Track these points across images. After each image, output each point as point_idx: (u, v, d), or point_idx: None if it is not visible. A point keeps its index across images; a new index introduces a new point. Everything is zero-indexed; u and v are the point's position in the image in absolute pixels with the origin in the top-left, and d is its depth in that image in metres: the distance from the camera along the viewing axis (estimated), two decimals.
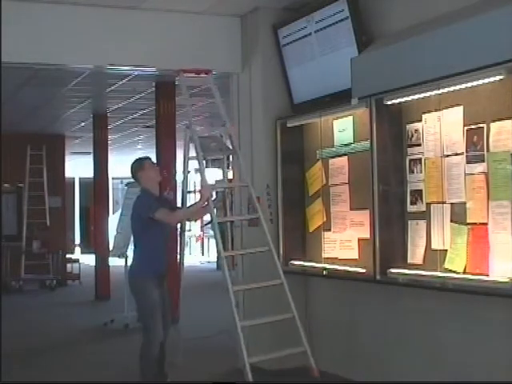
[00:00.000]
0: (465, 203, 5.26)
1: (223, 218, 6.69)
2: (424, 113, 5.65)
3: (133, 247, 6.18)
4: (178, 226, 6.54)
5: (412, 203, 5.81)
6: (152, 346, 5.87)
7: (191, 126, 6.56)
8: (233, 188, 7.06)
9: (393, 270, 5.78)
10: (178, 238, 6.77)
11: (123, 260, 10.49)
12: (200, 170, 6.20)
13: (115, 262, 11.57)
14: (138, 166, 6.27)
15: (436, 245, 5.53)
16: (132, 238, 6.21)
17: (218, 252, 6.00)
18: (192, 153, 6.40)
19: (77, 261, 17.05)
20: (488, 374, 5.01)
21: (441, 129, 5.47)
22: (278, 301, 6.17)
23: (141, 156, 6.45)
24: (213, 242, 22.93)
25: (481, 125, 5.12)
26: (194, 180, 27.73)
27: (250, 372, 5.61)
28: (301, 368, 6.59)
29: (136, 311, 6.11)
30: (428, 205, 5.64)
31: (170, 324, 6.07)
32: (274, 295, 6.13)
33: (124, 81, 10.22)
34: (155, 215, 5.81)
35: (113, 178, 23.41)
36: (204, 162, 6.26)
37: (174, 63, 7.36)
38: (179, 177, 11.05)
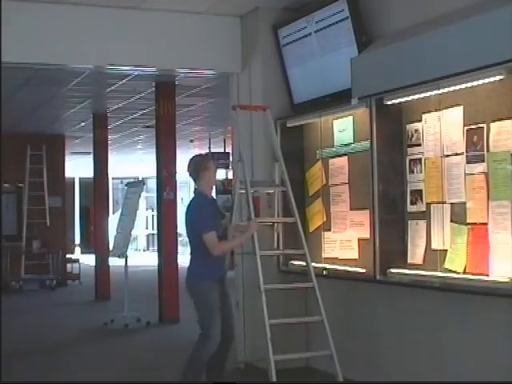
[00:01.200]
0: (465, 203, 5.26)
1: (263, 219, 6.71)
2: (424, 113, 5.65)
3: (190, 250, 5.97)
4: None
5: (412, 203, 5.81)
6: (209, 347, 5.56)
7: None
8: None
9: (393, 270, 5.78)
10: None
11: (123, 260, 10.49)
12: (248, 204, 6.07)
13: (115, 262, 11.57)
14: (203, 163, 5.83)
15: (436, 245, 5.53)
16: (189, 241, 6.01)
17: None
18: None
19: (77, 261, 17.06)
20: (488, 374, 5.01)
21: (441, 129, 5.47)
22: (277, 301, 6.17)
23: (197, 153, 6.22)
24: None
25: (481, 125, 5.12)
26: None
27: (274, 370, 5.58)
28: (301, 368, 6.62)
29: (197, 315, 5.77)
30: (428, 205, 5.64)
31: (234, 325, 5.87)
32: (274, 295, 6.13)
33: (124, 81, 10.23)
34: (203, 236, 5.61)
35: (113, 178, 23.43)
36: (251, 194, 6.13)
37: (174, 63, 7.39)
38: (178, 176, 11.09)
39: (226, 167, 18.11)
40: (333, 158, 6.73)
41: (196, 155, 6.03)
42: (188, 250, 6.23)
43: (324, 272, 6.53)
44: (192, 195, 6.19)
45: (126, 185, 12.56)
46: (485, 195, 5.07)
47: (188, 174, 5.92)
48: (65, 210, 16.75)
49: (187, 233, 5.97)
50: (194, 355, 5.63)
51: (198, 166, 5.79)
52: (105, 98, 12.02)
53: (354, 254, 6.41)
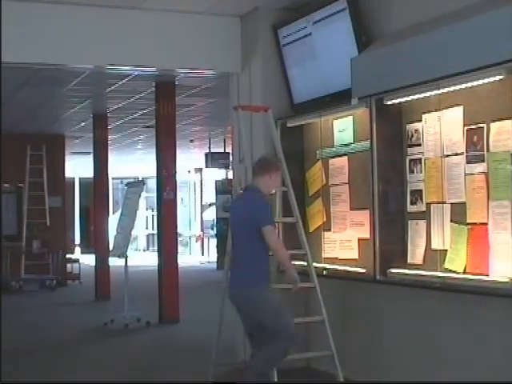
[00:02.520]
0: (465, 203, 5.26)
1: None
2: (424, 113, 5.65)
3: (240, 252, 5.52)
4: None
5: (412, 203, 5.81)
6: (288, 342, 5.37)
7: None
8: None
9: (393, 270, 5.78)
10: None
11: (123, 260, 10.49)
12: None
13: (115, 262, 11.57)
14: (276, 165, 5.74)
15: (436, 245, 5.53)
16: (236, 242, 5.58)
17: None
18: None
19: (77, 261, 17.07)
20: (488, 373, 5.01)
21: (441, 129, 5.47)
22: None
23: (266, 156, 5.95)
24: (213, 242, 22.96)
25: (481, 125, 5.12)
26: (194, 181, 27.81)
27: (275, 370, 5.59)
28: (301, 368, 6.62)
29: (265, 321, 5.37)
30: (428, 205, 5.64)
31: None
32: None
33: (124, 81, 10.23)
34: (265, 229, 5.27)
35: (113, 178, 23.43)
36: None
37: (174, 63, 7.38)
38: (178, 176, 11.09)
39: (226, 167, 18.12)
40: (333, 157, 6.73)
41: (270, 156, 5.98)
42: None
43: (324, 272, 6.53)
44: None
45: (126, 185, 12.56)
46: (485, 195, 5.07)
47: (253, 167, 5.73)
48: (65, 209, 16.75)
49: (237, 230, 5.55)
50: (262, 361, 5.45)
51: (270, 165, 5.64)
52: (105, 98, 12.02)
53: (354, 254, 6.42)
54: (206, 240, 25.28)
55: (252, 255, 5.41)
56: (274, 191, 5.92)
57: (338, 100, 6.29)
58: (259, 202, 5.47)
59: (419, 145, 5.72)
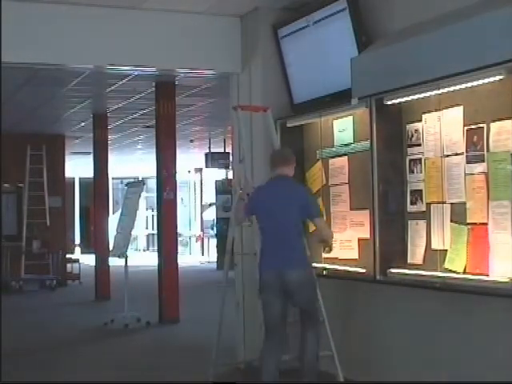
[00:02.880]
0: (465, 203, 5.26)
1: None
2: (424, 113, 5.65)
3: (284, 236, 5.59)
4: None
5: (412, 203, 5.81)
6: (320, 326, 5.77)
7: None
8: None
9: (393, 270, 5.78)
10: None
11: (123, 260, 10.49)
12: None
13: (115, 262, 11.57)
14: (292, 154, 5.92)
15: (436, 245, 5.53)
16: (275, 226, 5.63)
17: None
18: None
19: (77, 261, 17.07)
20: (488, 374, 5.01)
21: (441, 129, 5.47)
22: None
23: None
24: (213, 242, 22.96)
25: (481, 125, 5.12)
26: (194, 181, 27.81)
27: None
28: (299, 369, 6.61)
29: (309, 304, 5.65)
30: (428, 205, 5.64)
31: None
32: None
33: (124, 81, 10.23)
34: (318, 220, 5.68)
35: (113, 178, 23.44)
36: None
37: (174, 63, 7.38)
38: (178, 176, 11.09)
39: (226, 167, 18.12)
40: (333, 157, 6.73)
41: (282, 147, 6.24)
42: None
43: (324, 272, 6.53)
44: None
45: (126, 185, 12.56)
46: (485, 195, 5.07)
47: (280, 155, 5.90)
48: (65, 209, 16.75)
49: (278, 214, 5.61)
50: (316, 343, 5.66)
51: (293, 156, 5.88)
52: (105, 98, 12.03)
53: (354, 254, 6.41)
54: (206, 240, 25.28)
55: (297, 238, 5.63)
56: None
57: (338, 100, 6.29)
58: (307, 192, 5.93)
59: (419, 145, 5.72)
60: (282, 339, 5.62)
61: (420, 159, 5.71)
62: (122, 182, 25.73)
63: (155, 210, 13.87)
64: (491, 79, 4.89)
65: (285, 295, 5.52)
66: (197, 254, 25.30)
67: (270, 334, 5.61)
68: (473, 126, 5.19)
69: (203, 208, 26.15)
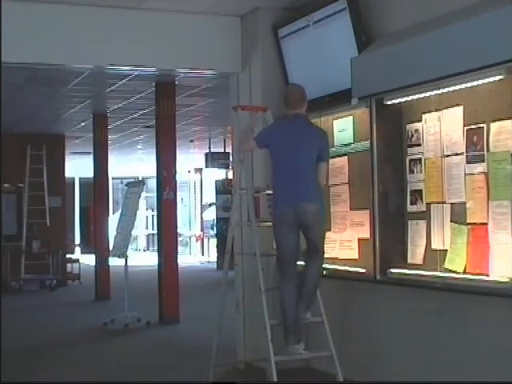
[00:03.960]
0: (465, 203, 5.26)
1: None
2: (424, 113, 5.65)
3: (300, 171, 5.80)
4: None
5: (412, 203, 5.80)
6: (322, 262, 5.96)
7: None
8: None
9: (393, 270, 5.78)
10: None
11: (123, 260, 10.49)
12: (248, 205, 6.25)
13: (115, 261, 11.58)
14: (305, 92, 6.02)
15: (436, 245, 5.53)
16: (292, 161, 5.82)
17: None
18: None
19: (77, 261, 17.07)
20: (488, 374, 5.01)
21: (441, 129, 5.47)
22: (277, 301, 6.17)
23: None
24: (213, 242, 22.96)
25: (481, 125, 5.12)
26: (194, 181, 27.81)
27: (274, 370, 5.58)
28: (301, 368, 6.61)
29: (317, 236, 5.85)
30: (428, 205, 5.63)
31: None
32: (274, 295, 6.13)
33: (124, 81, 10.23)
34: (325, 164, 5.91)
35: (113, 178, 23.44)
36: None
37: (173, 63, 7.38)
38: (178, 176, 11.09)
39: (226, 167, 18.12)
40: (333, 158, 6.72)
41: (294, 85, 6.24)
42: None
43: (324, 272, 6.52)
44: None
45: (126, 185, 12.56)
46: (485, 195, 5.06)
47: (290, 100, 5.98)
48: (65, 210, 16.75)
49: (295, 150, 5.82)
50: (318, 275, 5.88)
51: (304, 92, 6.00)
52: (105, 98, 12.03)
53: (354, 253, 6.41)
54: (206, 240, 25.29)
55: (312, 175, 5.81)
56: None
57: (337, 100, 6.29)
58: (323, 135, 6.00)
59: (419, 145, 5.72)
60: (295, 272, 5.85)
61: (420, 159, 5.71)
62: (122, 182, 25.73)
63: (155, 210, 13.87)
64: (491, 79, 4.89)
65: (299, 229, 5.78)
66: (197, 254, 25.30)
67: (285, 267, 5.86)
68: (473, 126, 5.19)
69: (203, 208, 26.14)
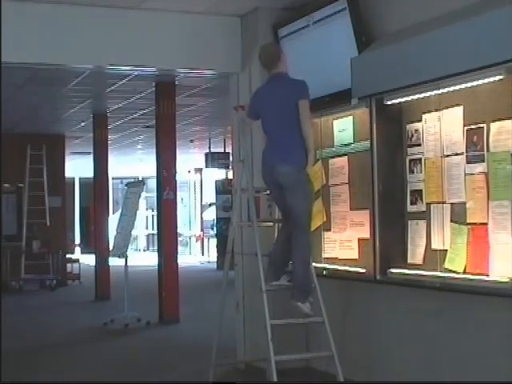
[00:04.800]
0: (465, 203, 5.26)
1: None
2: (424, 113, 5.65)
3: (280, 133, 5.75)
4: None
5: (412, 203, 5.80)
6: (309, 236, 5.93)
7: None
8: None
9: (393, 270, 5.78)
10: None
11: (123, 260, 10.49)
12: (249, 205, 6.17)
13: (115, 261, 11.58)
14: (280, 48, 6.13)
15: (436, 245, 5.53)
16: (273, 124, 5.81)
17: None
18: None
19: (77, 261, 17.07)
20: (488, 373, 5.01)
21: (441, 129, 5.47)
22: (277, 301, 6.18)
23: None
24: (213, 242, 22.96)
25: (481, 125, 5.12)
26: (194, 181, 27.82)
27: (275, 371, 5.57)
28: (301, 368, 6.61)
29: (296, 202, 5.70)
30: (428, 205, 5.63)
31: None
32: (274, 295, 6.13)
33: (124, 81, 10.24)
34: (304, 102, 5.70)
35: (113, 178, 23.44)
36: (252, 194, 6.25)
37: (173, 63, 7.38)
38: (178, 176, 11.09)
39: (226, 167, 18.12)
40: (333, 158, 6.72)
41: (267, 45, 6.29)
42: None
43: (324, 272, 6.52)
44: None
45: (126, 185, 12.56)
46: (485, 195, 5.06)
47: (263, 62, 6.02)
48: (65, 210, 16.76)
49: (274, 112, 5.81)
50: (303, 258, 5.82)
51: (277, 49, 6.09)
52: (105, 98, 12.04)
53: (354, 253, 6.41)
54: (206, 240, 25.29)
55: (292, 135, 5.71)
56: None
57: (337, 100, 6.29)
58: (301, 82, 5.80)
59: (419, 145, 5.72)
60: (288, 225, 5.89)
61: (420, 159, 5.71)
62: (122, 182, 25.73)
63: (155, 210, 13.87)
64: (491, 79, 4.89)
65: (280, 190, 5.78)
66: (197, 254, 25.30)
67: (283, 213, 5.99)
68: (473, 126, 5.19)
69: (203, 208, 26.15)
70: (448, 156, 5.41)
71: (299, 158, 5.74)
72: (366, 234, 6.13)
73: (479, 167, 5.12)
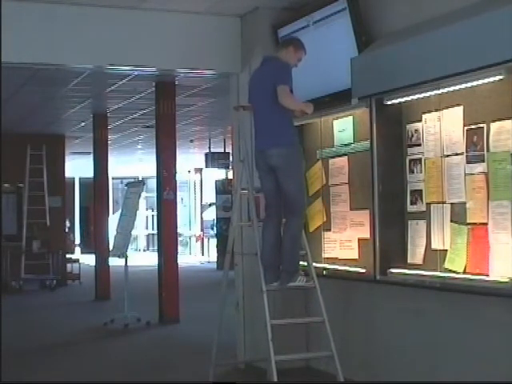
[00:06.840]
0: (465, 203, 5.26)
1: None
2: (424, 113, 5.65)
3: (267, 118, 5.80)
4: None
5: (412, 203, 5.81)
6: (302, 220, 5.94)
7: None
8: None
9: (393, 270, 5.78)
10: None
11: (123, 260, 10.49)
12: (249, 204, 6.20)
13: (115, 261, 11.58)
14: (299, 42, 6.05)
15: (436, 245, 5.53)
16: (260, 111, 5.87)
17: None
18: None
19: (77, 261, 17.06)
20: (488, 373, 5.01)
21: (441, 129, 5.47)
22: (277, 301, 6.18)
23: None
24: (213, 242, 22.96)
25: (481, 125, 5.12)
26: (194, 181, 27.83)
27: (275, 370, 5.57)
28: (301, 368, 6.62)
29: (290, 184, 5.74)
30: (428, 205, 5.64)
31: None
32: (274, 295, 6.13)
33: (124, 81, 10.24)
34: (281, 87, 5.60)
35: (113, 178, 23.44)
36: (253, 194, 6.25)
37: (174, 63, 7.38)
38: (178, 176, 11.09)
39: (226, 167, 18.12)
40: (333, 158, 6.73)
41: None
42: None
43: (324, 272, 6.53)
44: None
45: (126, 185, 12.56)
46: (485, 195, 5.07)
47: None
48: (65, 210, 16.75)
49: (259, 98, 5.86)
50: (293, 237, 5.83)
51: (295, 39, 6.06)
52: (105, 98, 12.03)
53: (354, 253, 6.42)
54: (206, 240, 25.29)
55: (278, 117, 5.74)
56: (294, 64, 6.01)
57: (337, 100, 6.29)
58: (279, 62, 5.81)
59: (419, 145, 5.72)
60: (275, 214, 5.90)
61: (420, 159, 5.71)
62: (122, 182, 25.73)
63: (155, 210, 13.87)
64: (491, 79, 4.89)
65: (273, 174, 5.78)
66: (197, 254, 25.30)
67: (267, 208, 5.99)
68: (473, 126, 5.19)
69: (203, 208, 26.15)
70: (448, 156, 5.41)
71: (288, 136, 5.78)
72: (366, 233, 6.14)
73: (479, 167, 5.12)
